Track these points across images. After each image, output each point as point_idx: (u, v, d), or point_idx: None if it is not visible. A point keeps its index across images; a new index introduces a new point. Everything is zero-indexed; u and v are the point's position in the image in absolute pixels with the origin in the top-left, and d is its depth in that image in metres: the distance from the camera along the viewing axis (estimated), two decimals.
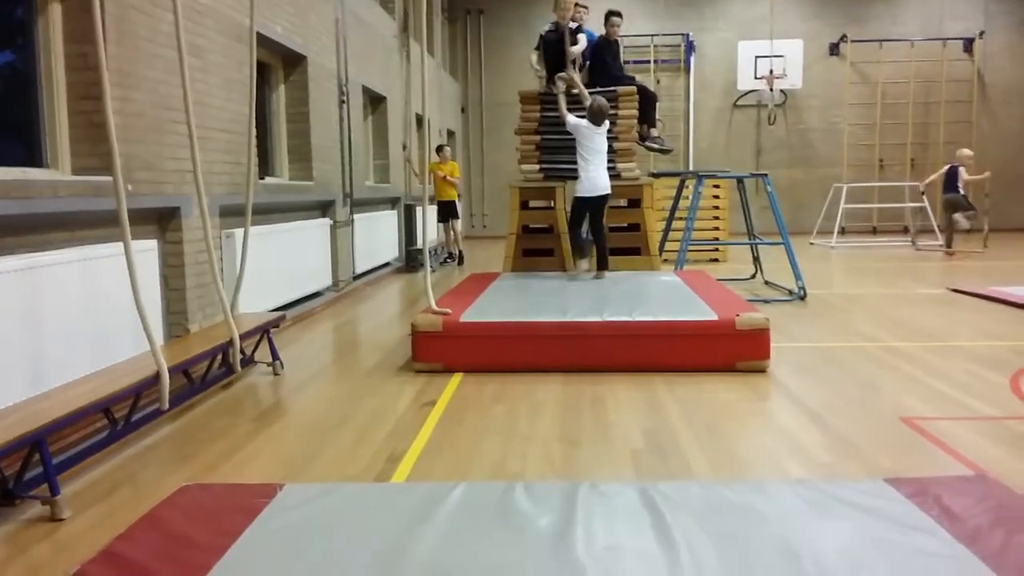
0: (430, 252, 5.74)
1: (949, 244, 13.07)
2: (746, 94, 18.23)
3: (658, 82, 18.10)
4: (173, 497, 2.87)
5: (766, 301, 8.16)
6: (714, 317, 5.37)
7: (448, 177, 12.06)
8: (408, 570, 2.32)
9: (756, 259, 10.14)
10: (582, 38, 8.16)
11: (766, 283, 9.56)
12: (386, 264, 11.67)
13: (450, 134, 17.70)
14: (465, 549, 2.43)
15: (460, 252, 12.77)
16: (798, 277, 8.41)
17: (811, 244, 15.14)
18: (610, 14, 8.77)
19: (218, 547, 2.40)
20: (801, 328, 6.86)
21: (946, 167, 13.15)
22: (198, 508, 2.71)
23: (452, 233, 12.63)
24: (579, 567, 2.30)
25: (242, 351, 5.09)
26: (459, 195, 12.87)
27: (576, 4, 8.75)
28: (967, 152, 13.29)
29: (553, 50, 8.20)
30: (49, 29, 4.62)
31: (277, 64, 8.14)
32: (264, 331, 5.48)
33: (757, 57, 17.28)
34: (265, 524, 2.59)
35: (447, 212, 12.35)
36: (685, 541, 2.42)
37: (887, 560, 2.31)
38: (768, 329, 5.29)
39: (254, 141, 5.48)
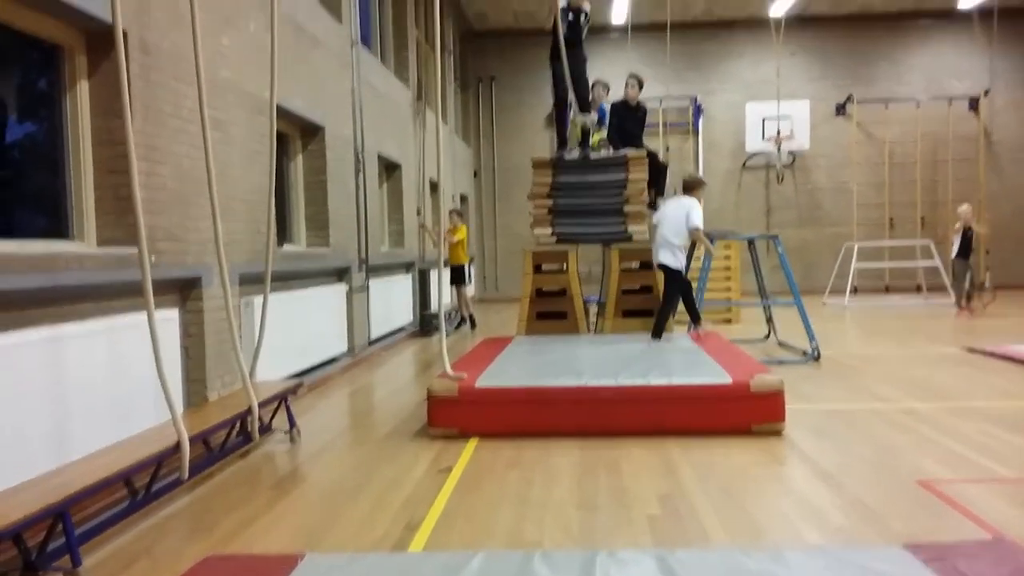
0: (445, 316, 5.83)
1: (966, 299, 12.93)
2: (755, 155, 18.44)
3: (667, 149, 18.37)
4: (196, 568, 2.90)
5: (780, 362, 8.16)
6: (728, 380, 5.39)
7: (457, 239, 12.21)
8: None
9: (769, 320, 10.16)
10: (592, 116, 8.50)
11: (780, 344, 9.57)
12: (401, 329, 11.74)
13: (463, 198, 17.94)
14: None
15: (471, 316, 12.85)
16: (812, 338, 8.42)
17: (824, 304, 15.15)
18: (632, 77, 9.04)
19: None
20: (816, 389, 6.85)
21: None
22: None
23: (462, 297, 12.75)
24: None
25: (260, 419, 5.14)
26: (471, 258, 12.98)
27: (595, 83, 9.05)
28: (964, 207, 13.23)
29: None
30: (77, 105, 4.79)
31: (295, 134, 8.36)
32: (282, 398, 5.54)
33: (764, 119, 17.53)
34: None
35: (456, 277, 12.48)
36: None
37: None
38: (783, 391, 5.30)
39: (273, 211, 5.61)
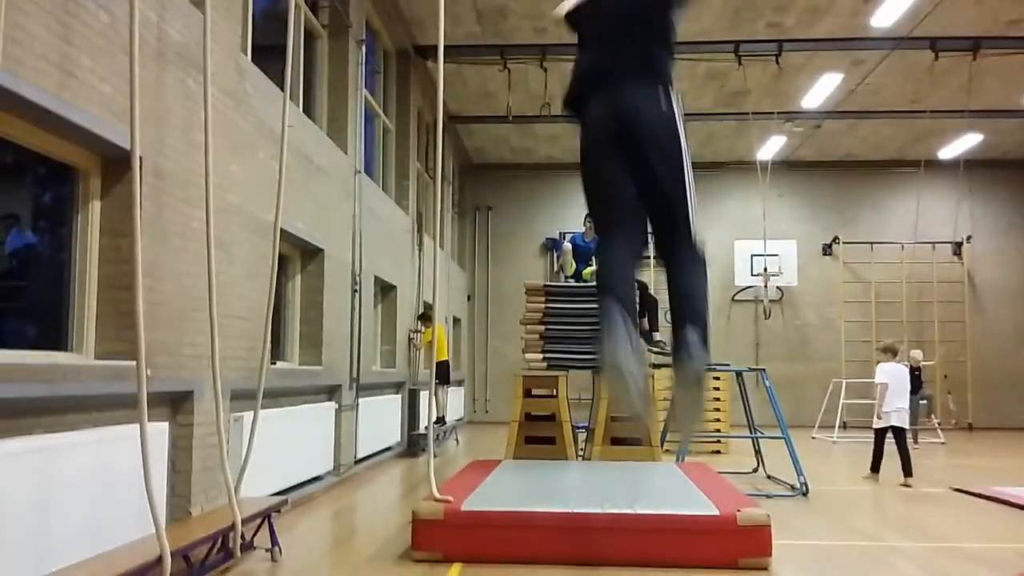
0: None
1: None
2: (743, 290, 18.82)
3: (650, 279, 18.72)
4: None
5: (768, 496, 8.12)
6: (715, 512, 5.39)
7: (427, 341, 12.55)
8: None
9: (758, 452, 10.15)
10: None
11: (768, 477, 9.53)
12: (388, 448, 11.67)
13: (456, 321, 18.15)
14: None
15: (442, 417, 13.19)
16: (799, 472, 8.41)
17: (813, 438, 15.11)
18: None
19: None
20: (804, 525, 6.81)
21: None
22: None
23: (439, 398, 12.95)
24: None
25: (242, 536, 5.09)
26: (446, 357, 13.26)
27: (587, 216, 9.48)
28: (916, 352, 14.00)
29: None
30: (88, 224, 4.98)
31: (295, 256, 8.58)
32: (265, 516, 5.50)
33: (753, 255, 18.00)
34: None
35: (438, 373, 12.69)
36: None
37: None
38: (769, 526, 5.28)
39: (269, 329, 5.73)
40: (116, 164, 4.98)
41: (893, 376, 9.39)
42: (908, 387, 9.56)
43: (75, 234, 4.98)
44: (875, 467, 9.53)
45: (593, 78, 4.04)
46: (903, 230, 19.04)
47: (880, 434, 9.49)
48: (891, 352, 9.81)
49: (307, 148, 8.23)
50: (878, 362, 9.79)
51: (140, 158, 4.49)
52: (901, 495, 8.49)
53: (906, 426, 9.43)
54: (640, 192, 3.85)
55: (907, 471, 9.10)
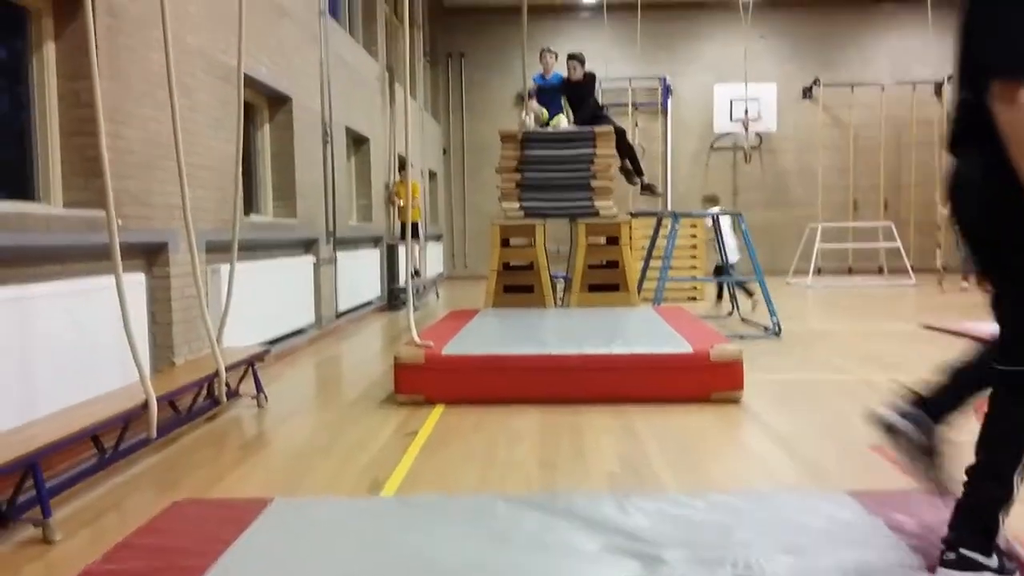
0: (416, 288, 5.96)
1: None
2: (722, 136, 18.63)
3: (636, 124, 18.46)
4: (167, 511, 2.98)
5: (742, 337, 8.32)
6: (689, 349, 5.52)
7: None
8: (397, 570, 2.44)
9: (733, 297, 10.35)
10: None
11: (743, 320, 9.75)
12: (368, 303, 11.77)
13: (432, 175, 17.94)
14: (449, 550, 2.54)
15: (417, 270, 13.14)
16: (773, 313, 8.60)
17: (788, 284, 15.40)
18: (569, 58, 9.13)
19: (212, 552, 2.51)
20: (776, 362, 7.02)
21: None
22: (192, 519, 2.84)
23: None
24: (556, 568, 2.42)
25: (227, 383, 5.17)
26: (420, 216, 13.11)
27: (543, 51, 9.20)
28: None
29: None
30: (44, 67, 4.77)
31: (262, 104, 8.32)
32: (249, 364, 5.57)
33: (732, 100, 17.70)
34: (258, 532, 2.73)
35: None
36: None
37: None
38: (741, 360, 5.44)
39: (240, 179, 5.61)
40: (69, 2, 4.72)
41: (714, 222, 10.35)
42: (725, 233, 10.37)
43: (32, 78, 4.77)
44: (720, 297, 11.25)
45: None
46: (884, 71, 18.72)
47: (718, 271, 10.83)
48: (711, 201, 11.63)
49: None
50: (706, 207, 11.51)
51: None
52: (873, 334, 8.72)
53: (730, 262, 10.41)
54: None
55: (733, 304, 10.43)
